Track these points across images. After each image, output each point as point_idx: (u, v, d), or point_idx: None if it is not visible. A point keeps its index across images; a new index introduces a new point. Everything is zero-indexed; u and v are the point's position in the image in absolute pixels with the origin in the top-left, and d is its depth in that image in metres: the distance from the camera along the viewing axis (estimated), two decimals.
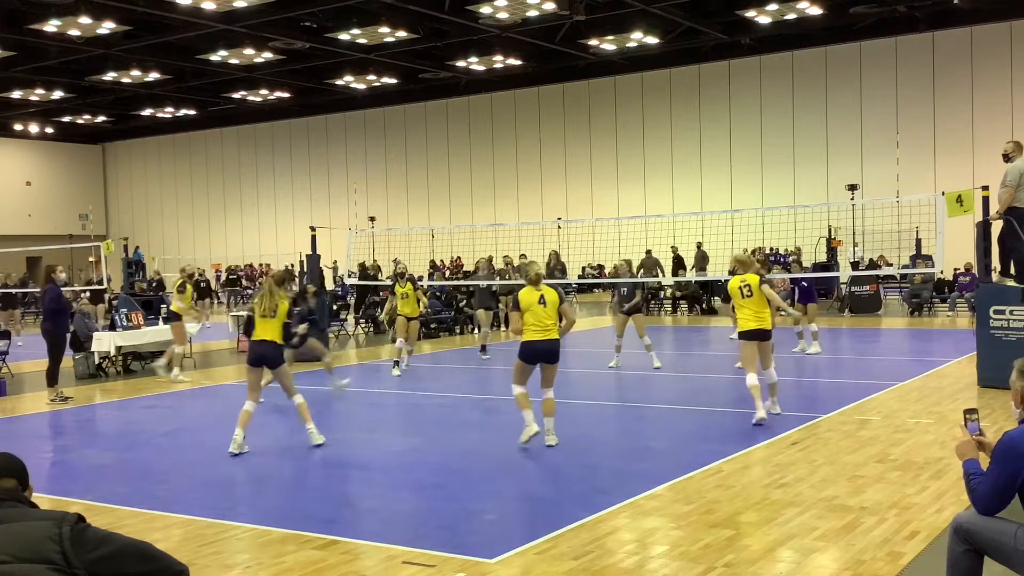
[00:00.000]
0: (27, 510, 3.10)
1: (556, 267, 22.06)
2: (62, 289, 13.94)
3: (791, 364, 14.83)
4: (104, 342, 15.97)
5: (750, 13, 28.68)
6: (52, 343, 13.16)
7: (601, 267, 33.64)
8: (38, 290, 17.76)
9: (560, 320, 8.95)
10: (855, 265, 26.82)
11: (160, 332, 17.11)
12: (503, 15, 27.44)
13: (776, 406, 10.20)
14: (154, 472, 8.53)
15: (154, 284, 30.28)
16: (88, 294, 25.09)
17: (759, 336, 9.98)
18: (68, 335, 13.87)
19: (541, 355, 8.83)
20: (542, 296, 8.76)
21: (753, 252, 30.52)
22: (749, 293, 9.95)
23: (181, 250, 47.52)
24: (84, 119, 45.79)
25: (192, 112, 43.68)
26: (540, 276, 8.99)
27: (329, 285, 28.71)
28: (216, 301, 39.88)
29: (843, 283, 26.57)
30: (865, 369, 14.49)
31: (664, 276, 27.15)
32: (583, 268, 33.03)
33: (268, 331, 9.24)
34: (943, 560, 4.48)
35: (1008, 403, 10.62)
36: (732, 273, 11.04)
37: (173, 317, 15.46)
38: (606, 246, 26.10)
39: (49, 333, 13.14)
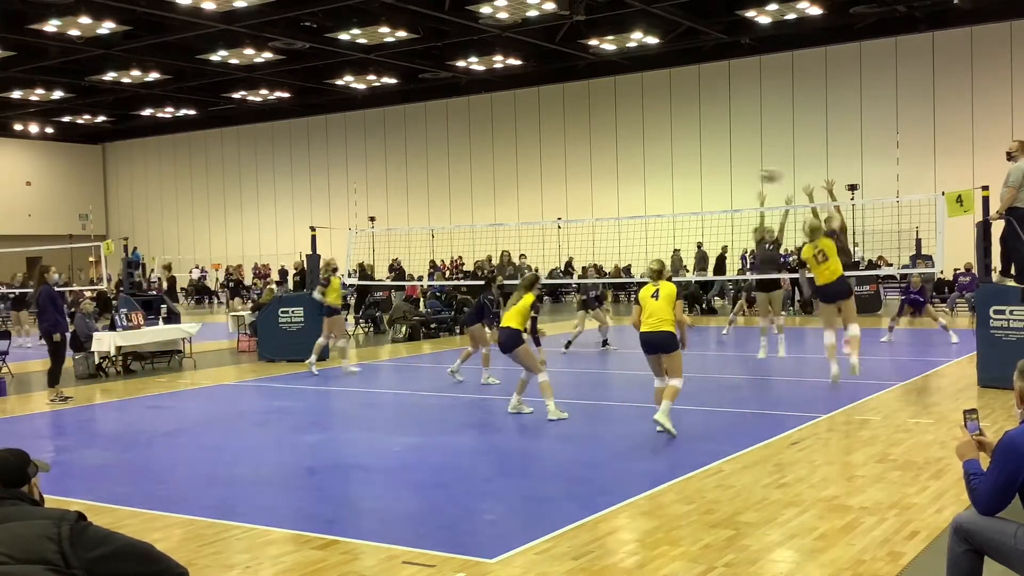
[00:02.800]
0: (28, 508, 3.06)
1: (508, 266, 22.15)
2: (57, 289, 13.98)
3: (792, 364, 14.83)
4: (104, 342, 15.96)
5: (750, 13, 28.68)
6: (52, 343, 13.18)
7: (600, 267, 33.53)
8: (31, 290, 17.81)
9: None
10: (855, 265, 26.78)
11: (160, 332, 17.11)
12: (503, 15, 27.44)
13: (856, 362, 11.09)
14: (154, 472, 8.53)
15: (154, 284, 30.26)
16: (95, 294, 25.12)
17: (839, 294, 11.06)
18: (67, 334, 13.84)
19: (654, 346, 9.37)
20: (657, 291, 9.33)
21: (754, 253, 30.52)
22: (824, 258, 10.79)
23: (181, 250, 47.54)
24: (84, 119, 45.80)
25: (192, 112, 43.70)
26: (661, 270, 9.57)
27: None
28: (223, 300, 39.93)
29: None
30: (865, 369, 14.47)
31: (689, 275, 27.25)
32: (551, 270, 32.37)
33: None
34: (943, 560, 4.48)
35: (1008, 403, 10.64)
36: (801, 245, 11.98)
37: (331, 311, 15.45)
38: (606, 246, 26.12)
39: (48, 334, 13.16)
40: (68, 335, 13.97)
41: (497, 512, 6.93)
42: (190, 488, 7.95)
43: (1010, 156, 12.06)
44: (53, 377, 13.16)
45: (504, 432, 10.31)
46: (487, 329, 13.55)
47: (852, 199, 28.46)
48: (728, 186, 34.57)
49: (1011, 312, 11.63)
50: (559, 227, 29.10)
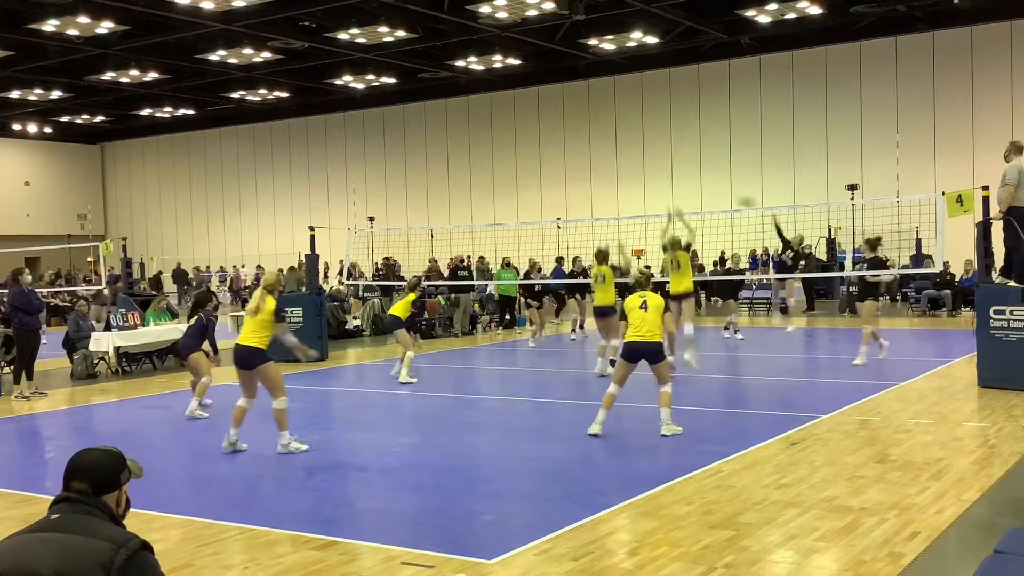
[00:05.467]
0: (98, 523, 2.87)
1: (459, 268, 22.86)
2: (34, 290, 14.12)
3: (789, 364, 14.82)
4: (103, 342, 15.92)
5: (750, 13, 28.65)
6: (19, 342, 13.32)
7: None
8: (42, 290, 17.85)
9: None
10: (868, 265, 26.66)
11: (158, 332, 17.05)
12: (502, 15, 27.41)
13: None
14: (153, 472, 8.47)
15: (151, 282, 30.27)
16: (93, 294, 25.07)
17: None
18: (35, 333, 13.63)
19: (641, 355, 9.46)
20: (645, 302, 9.50)
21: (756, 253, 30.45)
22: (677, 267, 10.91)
23: (180, 250, 47.51)
24: (83, 119, 45.75)
25: (191, 112, 43.66)
26: (648, 280, 10.00)
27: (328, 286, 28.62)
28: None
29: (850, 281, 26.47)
30: (865, 369, 14.46)
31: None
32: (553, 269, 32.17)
33: None
34: (943, 561, 4.46)
35: (1009, 403, 10.60)
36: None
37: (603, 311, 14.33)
38: (605, 246, 26.01)
39: (15, 332, 13.35)
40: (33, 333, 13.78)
41: (496, 513, 6.91)
42: (188, 488, 7.93)
43: (1008, 159, 12.04)
44: (17, 373, 13.46)
45: (503, 433, 10.30)
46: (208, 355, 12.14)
47: (852, 199, 28.43)
48: (728, 186, 34.54)
49: (1011, 312, 11.61)
50: (558, 227, 29.06)
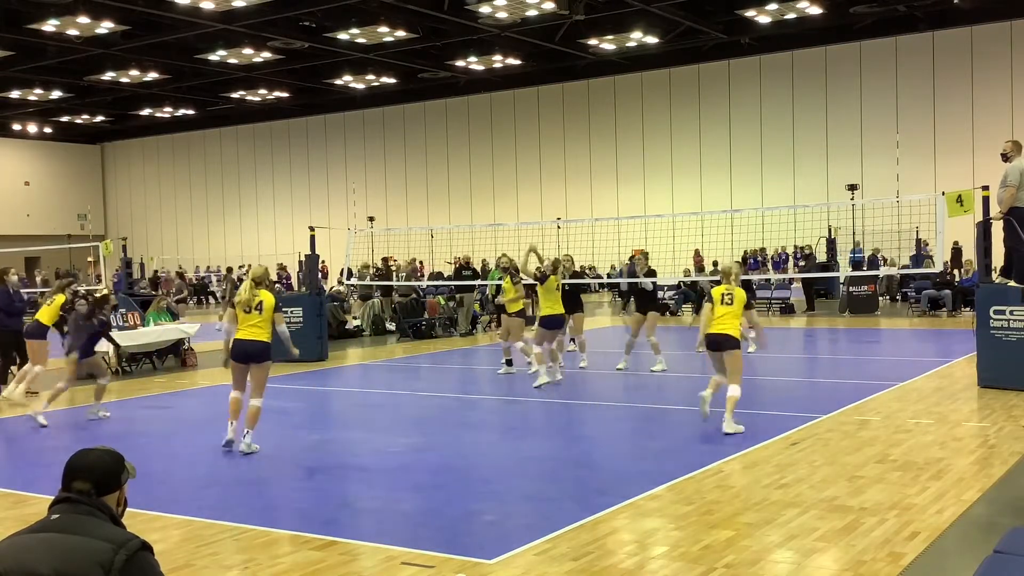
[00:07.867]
0: (98, 523, 2.87)
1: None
2: (20, 291, 14.13)
3: (789, 364, 14.82)
4: (103, 343, 15.87)
5: (750, 13, 28.67)
6: (2, 343, 13.33)
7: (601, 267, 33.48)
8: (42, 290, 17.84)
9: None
10: (872, 263, 26.63)
11: (158, 332, 17.06)
12: (502, 15, 27.43)
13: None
14: (153, 472, 8.49)
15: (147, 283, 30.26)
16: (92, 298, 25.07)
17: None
18: (13, 334, 13.44)
19: (561, 323, 13.21)
20: (559, 284, 12.98)
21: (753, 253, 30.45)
22: (730, 301, 9.59)
23: (180, 250, 47.53)
24: (83, 119, 45.78)
25: (191, 112, 43.69)
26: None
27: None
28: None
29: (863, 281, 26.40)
30: (865, 369, 14.46)
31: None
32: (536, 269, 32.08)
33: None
34: (944, 561, 4.45)
35: (1009, 403, 10.60)
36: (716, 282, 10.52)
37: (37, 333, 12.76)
38: (606, 246, 26.10)
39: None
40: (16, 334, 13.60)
41: (496, 513, 6.90)
42: (188, 488, 7.92)
43: (1005, 157, 12.02)
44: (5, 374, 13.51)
45: (503, 432, 10.30)
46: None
47: (852, 199, 28.44)
48: (728, 186, 34.56)
49: (1011, 312, 11.60)
50: (558, 227, 29.08)
